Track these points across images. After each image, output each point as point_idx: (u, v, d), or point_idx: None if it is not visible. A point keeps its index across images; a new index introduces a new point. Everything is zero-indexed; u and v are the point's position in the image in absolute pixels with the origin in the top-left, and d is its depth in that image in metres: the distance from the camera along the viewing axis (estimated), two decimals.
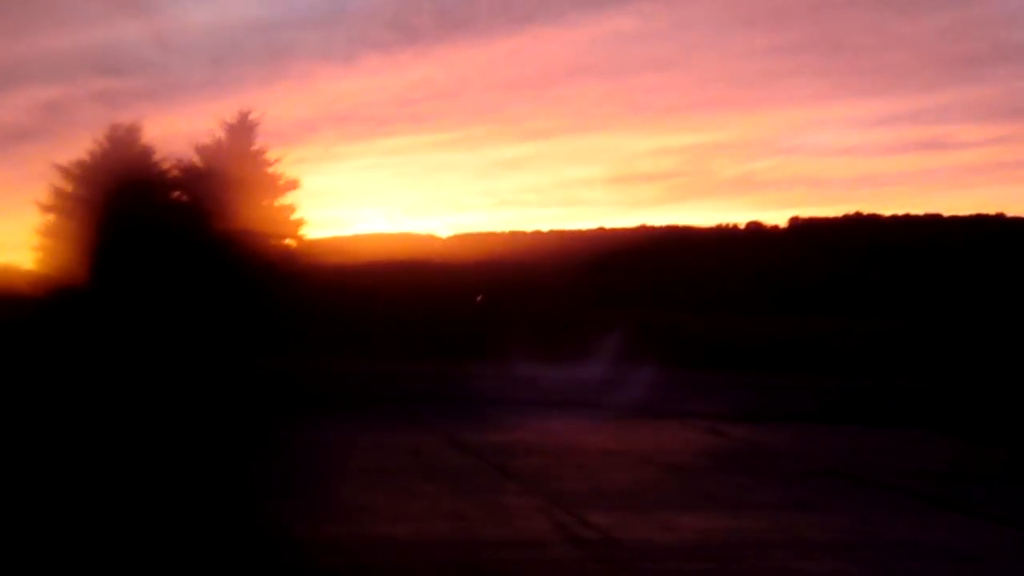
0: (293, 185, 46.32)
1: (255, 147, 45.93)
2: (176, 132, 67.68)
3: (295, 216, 46.61)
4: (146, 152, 45.09)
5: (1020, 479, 17.33)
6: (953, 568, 10.83)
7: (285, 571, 9.68)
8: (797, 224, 56.07)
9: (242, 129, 45.73)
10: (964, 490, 15.26)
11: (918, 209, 53.33)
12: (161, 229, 42.73)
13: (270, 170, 45.92)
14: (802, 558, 10.78)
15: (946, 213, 53.54)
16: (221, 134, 45.70)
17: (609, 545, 10.95)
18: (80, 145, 45.41)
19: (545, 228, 56.66)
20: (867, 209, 53.85)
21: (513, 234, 56.34)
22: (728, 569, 10.28)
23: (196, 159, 45.32)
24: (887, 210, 53.65)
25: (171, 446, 16.64)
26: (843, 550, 11.28)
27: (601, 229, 56.14)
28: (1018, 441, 20.50)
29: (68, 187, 44.61)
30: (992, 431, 21.57)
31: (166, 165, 45.41)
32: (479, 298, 46.98)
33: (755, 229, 56.09)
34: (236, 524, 11.48)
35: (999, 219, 55.55)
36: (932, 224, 52.89)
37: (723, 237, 54.67)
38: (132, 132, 44.98)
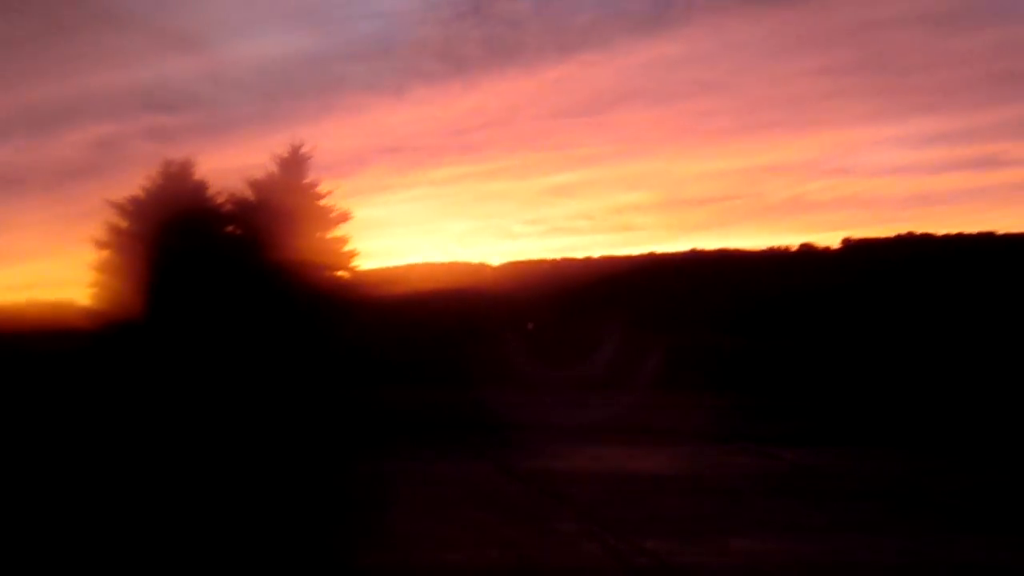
0: (345, 217, 46.66)
1: (307, 180, 46.34)
2: (228, 167, 68.27)
3: (347, 248, 46.93)
4: (199, 187, 45.61)
5: None
6: None
7: None
8: (849, 244, 55.70)
9: (294, 162, 46.17)
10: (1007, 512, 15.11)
11: (972, 227, 52.75)
12: (215, 262, 43.21)
13: (322, 202, 46.30)
14: None
15: (1000, 231, 52.90)
16: (273, 167, 46.17)
17: (663, 571, 11.00)
18: (134, 182, 45.90)
19: (596, 254, 56.60)
20: (920, 228, 53.24)
21: (564, 260, 56.31)
22: None
23: (249, 193, 45.80)
24: (940, 229, 53.09)
25: (235, 476, 16.87)
26: (900, 572, 11.25)
27: (652, 254, 56.01)
28: None
29: (122, 223, 45.18)
30: None
31: (219, 199, 45.89)
32: (530, 326, 47.06)
33: (807, 251, 55.90)
34: (297, 553, 11.64)
35: None
36: (986, 241, 52.31)
37: (775, 259, 54.40)
38: (185, 167, 45.53)
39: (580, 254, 58.07)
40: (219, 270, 42.82)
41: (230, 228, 46.16)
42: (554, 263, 55.30)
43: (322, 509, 14.47)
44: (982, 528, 13.85)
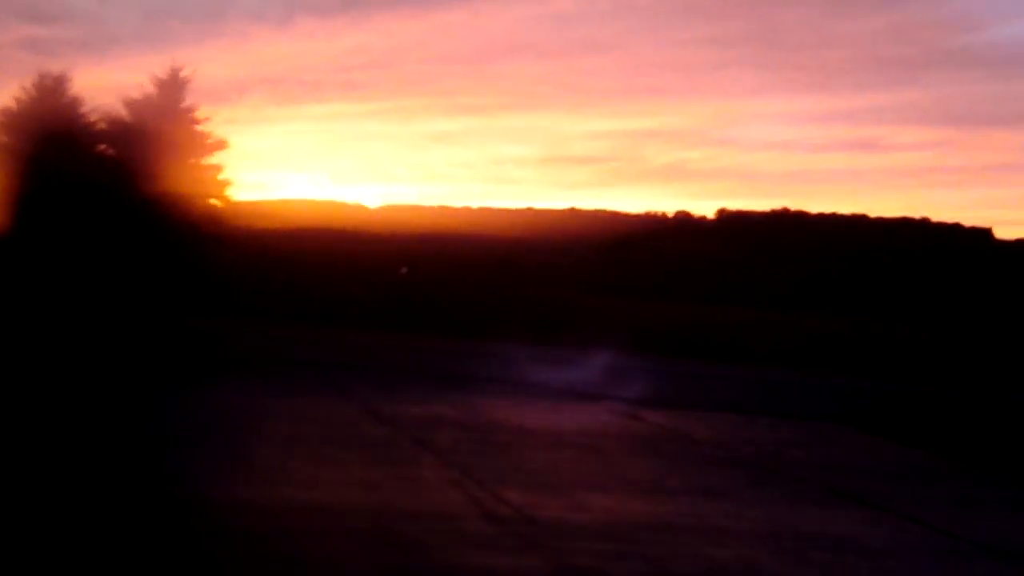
0: (221, 145, 45.53)
1: (185, 104, 45.09)
2: (105, 85, 66.34)
3: (222, 176, 45.89)
4: (74, 103, 44.06)
5: (930, 478, 17.60)
6: (858, 560, 10.95)
7: (201, 532, 9.51)
8: (725, 216, 56.49)
9: (172, 85, 44.86)
10: (873, 486, 15.46)
11: (846, 208, 53.92)
12: (84, 180, 41.92)
13: (198, 128, 45.16)
14: (713, 544, 10.83)
15: (872, 214, 54.17)
16: (151, 89, 44.80)
17: (525, 523, 10.91)
18: (7, 92, 44.24)
19: (474, 204, 56.52)
20: (795, 205, 54.25)
21: (442, 208, 56.13)
22: (639, 553, 10.27)
23: (124, 113, 44.44)
24: (815, 207, 54.22)
25: (89, 406, 16.34)
26: (753, 539, 11.36)
27: (530, 209, 56.14)
28: (931, 439, 20.80)
29: None
30: (907, 429, 21.87)
31: (93, 117, 44.46)
32: (403, 270, 46.78)
33: (683, 219, 56.55)
34: (148, 485, 11.28)
35: (924, 223, 56.43)
36: (858, 224, 53.57)
37: (651, 225, 54.93)
38: (60, 82, 43.90)
39: (459, 202, 57.97)
40: (87, 188, 41.55)
41: (102, 147, 44.80)
42: (431, 211, 55.06)
43: (183, 442, 14.09)
44: (832, 501, 14.11)
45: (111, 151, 44.43)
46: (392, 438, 15.42)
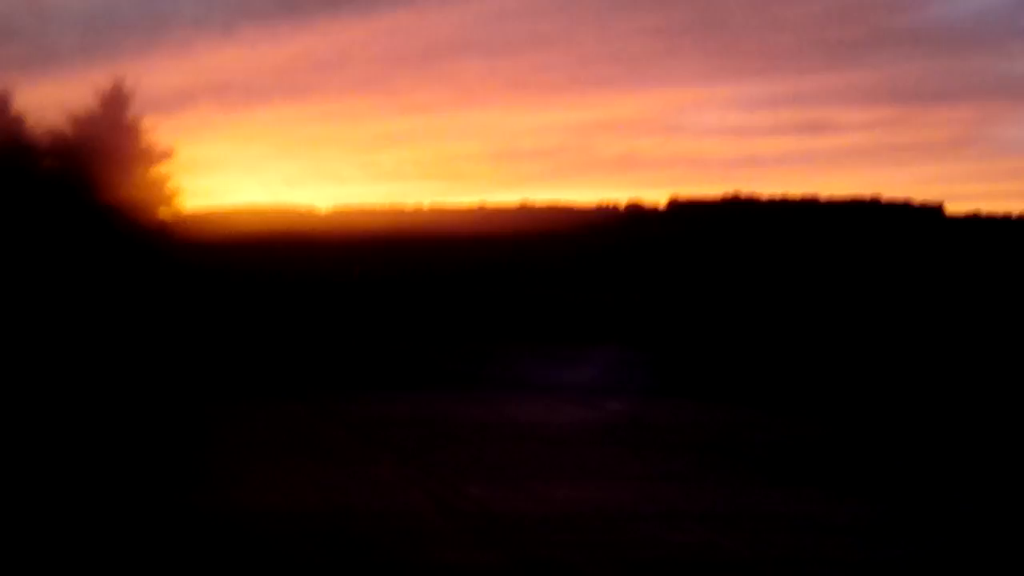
0: (168, 154, 45.27)
1: (129, 116, 44.83)
2: (48, 100, 65.62)
3: (170, 186, 45.68)
4: (17, 120, 43.68)
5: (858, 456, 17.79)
6: (818, 539, 11.06)
7: (163, 536, 9.50)
8: (676, 204, 56.75)
9: (116, 98, 44.53)
10: (820, 465, 15.56)
11: (796, 190, 54.33)
12: (31, 196, 41.53)
13: (145, 139, 44.90)
14: (674, 529, 10.92)
15: (823, 195, 54.56)
16: (94, 102, 44.48)
17: (484, 518, 10.95)
18: None
19: (426, 202, 56.39)
20: (747, 190, 54.47)
21: (393, 208, 55.96)
22: (601, 540, 10.34)
23: (68, 128, 44.09)
24: (766, 191, 54.44)
25: (43, 420, 16.25)
26: (713, 521, 11.45)
27: (483, 205, 56.11)
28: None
29: None
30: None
31: (37, 133, 44.07)
32: (355, 269, 46.66)
33: (634, 208, 56.71)
34: (111, 491, 11.24)
35: (874, 202, 56.91)
36: (809, 206, 53.96)
37: (602, 215, 55.11)
38: (2, 99, 43.52)
39: (410, 201, 57.89)
40: (34, 205, 41.17)
41: (47, 163, 44.42)
42: (384, 211, 54.90)
43: (143, 446, 14.05)
44: (788, 481, 14.23)
45: (57, 166, 44.06)
46: (350, 438, 15.45)
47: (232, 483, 11.94)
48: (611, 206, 56.96)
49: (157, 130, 45.07)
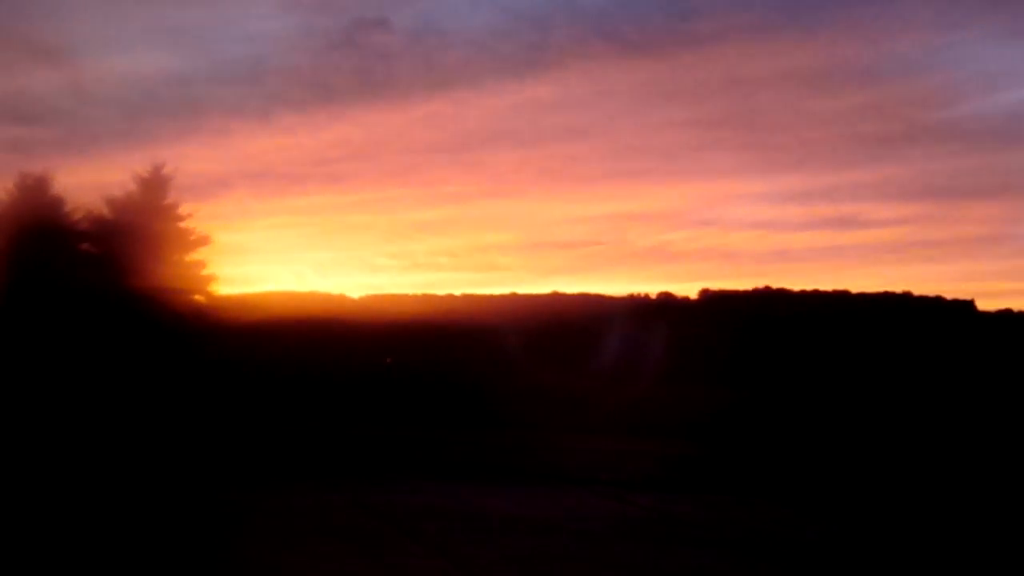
0: (204, 241, 45.96)
1: (167, 201, 45.48)
2: (87, 183, 66.67)
3: (205, 272, 46.22)
4: (56, 202, 44.36)
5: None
6: None
7: None
8: (707, 296, 56.82)
9: (154, 183, 45.28)
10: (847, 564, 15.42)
11: (827, 285, 54.23)
12: (69, 279, 42.05)
13: (181, 225, 45.52)
14: None
15: (854, 290, 54.53)
16: (133, 187, 45.18)
17: None
18: None
19: (458, 292, 56.62)
20: (777, 284, 54.49)
21: (425, 296, 56.23)
22: None
23: (106, 211, 44.75)
24: (797, 285, 54.41)
25: (62, 512, 16.32)
26: None
27: (514, 294, 56.29)
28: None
29: None
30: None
31: (76, 216, 44.75)
32: (388, 360, 46.78)
33: (666, 299, 56.81)
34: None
35: (906, 297, 56.80)
36: (840, 300, 53.91)
37: (635, 306, 55.14)
38: (42, 181, 44.22)
39: (442, 291, 58.10)
40: (72, 287, 41.67)
41: (85, 246, 45.02)
42: (415, 298, 55.18)
43: (178, 537, 14.09)
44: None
45: (95, 249, 44.67)
46: (381, 529, 15.45)
47: (264, 573, 11.95)
48: (642, 296, 57.13)
49: (194, 216, 45.75)
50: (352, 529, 15.31)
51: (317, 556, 13.05)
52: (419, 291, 57.65)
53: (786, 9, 77.52)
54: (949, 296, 56.68)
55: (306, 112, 69.95)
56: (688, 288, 58.24)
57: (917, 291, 56.40)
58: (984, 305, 56.50)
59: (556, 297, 55.73)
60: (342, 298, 55.35)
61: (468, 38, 73.88)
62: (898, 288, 54.94)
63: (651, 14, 76.86)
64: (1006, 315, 55.48)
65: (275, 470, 21.73)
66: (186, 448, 25.20)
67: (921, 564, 15.62)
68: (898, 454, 30.78)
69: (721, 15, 74.28)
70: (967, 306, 55.99)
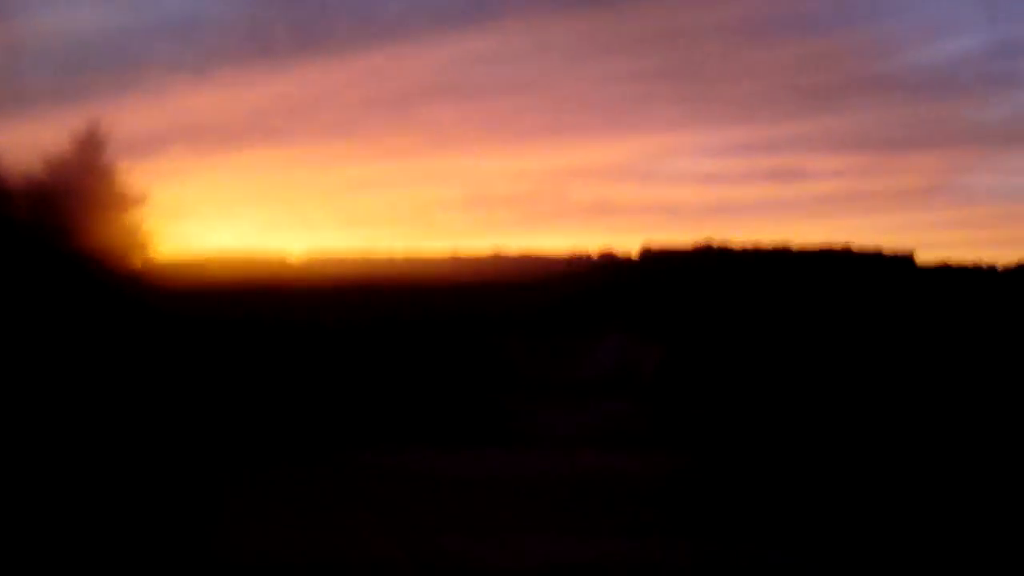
0: (142, 199, 45.30)
1: (103, 159, 44.78)
2: (20, 143, 65.50)
3: (143, 231, 45.58)
4: None
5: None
6: None
7: None
8: (648, 251, 56.95)
9: (90, 140, 44.57)
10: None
11: (769, 238, 54.46)
12: (3, 242, 41.35)
13: (118, 183, 44.84)
14: None
15: (795, 243, 54.88)
16: (67, 145, 44.43)
17: (462, 572, 10.92)
18: None
19: (398, 249, 56.39)
20: (719, 237, 54.67)
21: (366, 256, 55.91)
22: None
23: (40, 171, 43.99)
24: (738, 239, 54.62)
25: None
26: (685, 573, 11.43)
27: (455, 253, 56.17)
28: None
29: None
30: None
31: (8, 176, 43.96)
32: (328, 316, 46.44)
33: (607, 256, 56.96)
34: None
35: (846, 251, 57.29)
36: (780, 254, 54.24)
37: (576, 264, 55.23)
38: None
39: (382, 248, 57.77)
40: (5, 249, 40.99)
41: (18, 206, 44.27)
42: (356, 261, 54.78)
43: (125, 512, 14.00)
44: (758, 532, 14.14)
45: (29, 210, 43.91)
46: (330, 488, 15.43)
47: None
48: (583, 254, 57.19)
49: (130, 174, 45.06)
50: (300, 490, 15.29)
51: (269, 518, 12.99)
52: (359, 248, 57.21)
53: None
54: (889, 246, 57.13)
55: (243, 67, 68.96)
56: (630, 242, 58.02)
57: (858, 242, 56.80)
58: (923, 255, 57.00)
59: (498, 259, 55.67)
60: (282, 259, 54.94)
61: None
62: (839, 240, 55.30)
63: None
64: (945, 268, 56.10)
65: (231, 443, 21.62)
66: (137, 421, 24.91)
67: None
68: (831, 409, 31.07)
69: None
70: (907, 260, 56.55)
